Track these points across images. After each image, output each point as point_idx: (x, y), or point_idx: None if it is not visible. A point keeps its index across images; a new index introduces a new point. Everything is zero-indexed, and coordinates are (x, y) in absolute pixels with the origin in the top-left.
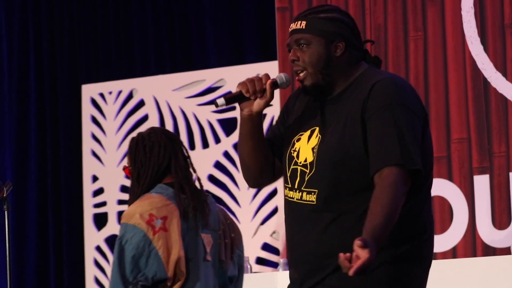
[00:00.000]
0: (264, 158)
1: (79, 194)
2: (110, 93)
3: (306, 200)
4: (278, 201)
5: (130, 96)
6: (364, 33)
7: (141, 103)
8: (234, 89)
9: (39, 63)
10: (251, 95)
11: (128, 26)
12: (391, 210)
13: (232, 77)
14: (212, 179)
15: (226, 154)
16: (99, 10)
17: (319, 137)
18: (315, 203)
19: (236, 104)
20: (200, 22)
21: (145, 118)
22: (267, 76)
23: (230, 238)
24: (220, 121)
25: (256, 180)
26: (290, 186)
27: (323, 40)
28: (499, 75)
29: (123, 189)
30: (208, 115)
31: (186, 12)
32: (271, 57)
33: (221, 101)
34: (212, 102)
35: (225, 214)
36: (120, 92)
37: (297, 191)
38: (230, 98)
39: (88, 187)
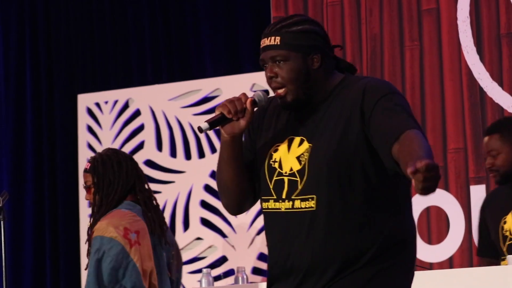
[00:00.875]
0: (246, 180)
1: (75, 203)
2: (106, 102)
3: (301, 208)
4: None
5: (126, 106)
6: (360, 43)
7: (137, 113)
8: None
9: (35, 72)
10: (233, 116)
11: (124, 36)
12: (428, 148)
13: (228, 86)
14: (208, 189)
15: None
16: (95, 20)
17: (309, 145)
18: (314, 208)
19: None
20: (196, 31)
21: (141, 128)
22: (245, 95)
23: (177, 261)
24: (216, 131)
25: (238, 206)
26: (275, 197)
27: (299, 54)
28: (495, 84)
29: None
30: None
31: (182, 21)
32: None
33: (205, 125)
34: (197, 128)
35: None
36: (116, 101)
37: (286, 200)
38: (214, 122)
39: (84, 197)
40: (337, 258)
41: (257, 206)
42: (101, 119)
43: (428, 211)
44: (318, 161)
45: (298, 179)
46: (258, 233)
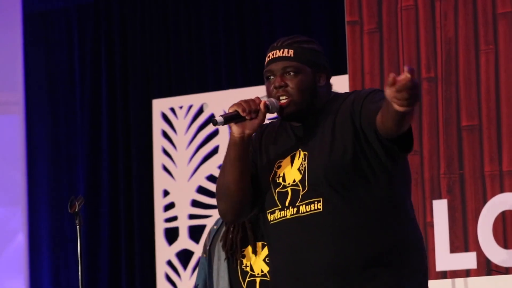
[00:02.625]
0: (248, 185)
1: (150, 208)
2: (181, 107)
3: (306, 212)
4: None
5: (200, 111)
6: (435, 46)
7: (211, 118)
8: None
9: (111, 78)
10: (247, 115)
11: (199, 41)
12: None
13: None
14: None
15: None
16: (171, 25)
17: (304, 154)
18: (321, 210)
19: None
20: (271, 36)
21: (216, 133)
22: (258, 98)
23: None
24: None
25: (236, 211)
26: (280, 207)
27: (310, 69)
28: None
29: (194, 203)
30: None
31: (257, 26)
32: (342, 71)
33: (220, 119)
34: (211, 120)
35: None
36: (190, 106)
37: (290, 207)
38: (228, 117)
39: (159, 202)
40: (348, 260)
41: None
42: (176, 124)
43: (503, 215)
44: (315, 166)
45: (300, 187)
46: None
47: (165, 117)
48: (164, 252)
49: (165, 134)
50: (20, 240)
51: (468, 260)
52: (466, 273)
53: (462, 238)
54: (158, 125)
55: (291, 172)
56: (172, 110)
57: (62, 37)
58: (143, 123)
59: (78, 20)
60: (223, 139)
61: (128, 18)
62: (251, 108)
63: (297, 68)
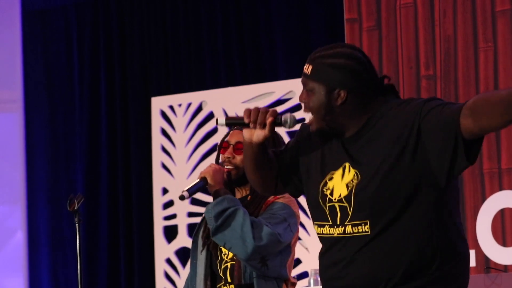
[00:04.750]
0: (266, 178)
1: (149, 206)
2: (180, 105)
3: (352, 233)
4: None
5: (199, 109)
6: (434, 44)
7: (210, 115)
8: None
9: (109, 76)
10: (250, 123)
11: (198, 39)
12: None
13: (301, 89)
14: None
15: None
16: (169, 23)
17: (355, 172)
18: (369, 233)
19: (304, 115)
20: (270, 34)
21: (214, 131)
22: (274, 112)
23: None
24: (290, 133)
25: (261, 189)
26: (331, 223)
27: (324, 87)
28: None
29: (193, 201)
30: (277, 128)
31: (256, 24)
32: None
33: (221, 120)
34: (216, 120)
35: None
36: (189, 104)
37: (340, 226)
38: (231, 121)
39: (158, 200)
40: (394, 276)
41: None
42: (175, 121)
43: (502, 213)
44: (365, 187)
45: (347, 205)
46: None
47: (164, 115)
48: (163, 250)
49: (164, 132)
50: (19, 238)
51: None
52: None
53: None
54: (157, 123)
55: (340, 186)
56: (171, 108)
57: (60, 35)
58: (142, 121)
59: (76, 18)
60: (221, 138)
61: (127, 16)
62: (256, 118)
63: (311, 87)
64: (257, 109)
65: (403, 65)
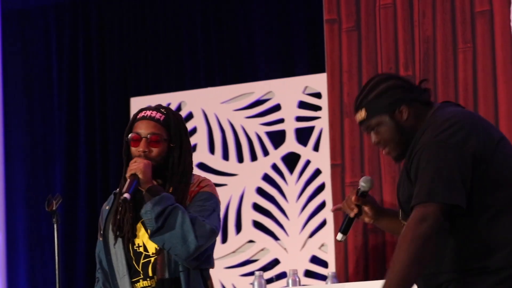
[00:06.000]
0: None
1: None
2: None
3: None
4: (327, 214)
5: (178, 109)
6: (413, 45)
7: (189, 116)
8: (282, 102)
9: (88, 77)
10: (350, 213)
11: (177, 39)
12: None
13: (280, 89)
14: (260, 191)
15: (275, 167)
16: (148, 23)
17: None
18: None
19: (283, 116)
20: (249, 35)
21: (193, 131)
22: (351, 194)
23: None
24: (269, 134)
25: None
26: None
27: (386, 115)
28: None
29: None
30: (257, 128)
31: (235, 24)
32: (320, 69)
33: (340, 236)
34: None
35: None
36: (168, 104)
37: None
38: (345, 228)
39: None
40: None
41: (306, 210)
42: None
43: None
44: (400, 191)
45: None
46: (311, 235)
47: None
48: None
49: None
50: None
51: None
52: None
53: None
54: None
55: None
56: None
57: (39, 35)
58: (120, 121)
59: (55, 18)
60: (201, 138)
61: (106, 17)
62: (348, 207)
63: (375, 124)
64: (344, 202)
65: (382, 65)
